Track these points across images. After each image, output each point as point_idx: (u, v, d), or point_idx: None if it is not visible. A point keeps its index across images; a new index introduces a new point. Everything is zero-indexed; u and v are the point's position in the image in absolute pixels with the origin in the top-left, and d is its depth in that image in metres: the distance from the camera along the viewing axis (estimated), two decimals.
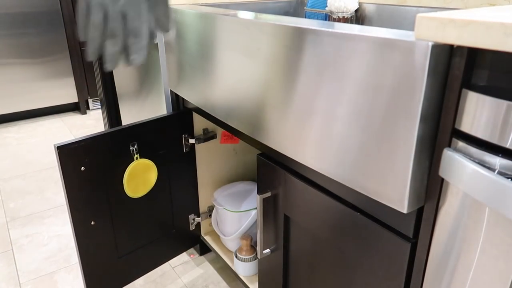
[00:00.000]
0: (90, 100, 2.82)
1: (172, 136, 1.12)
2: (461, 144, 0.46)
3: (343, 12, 1.09)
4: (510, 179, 0.40)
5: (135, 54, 0.60)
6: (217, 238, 1.31)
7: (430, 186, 0.53)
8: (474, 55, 0.44)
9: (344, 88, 0.56)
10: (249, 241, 1.15)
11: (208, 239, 1.31)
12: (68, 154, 0.91)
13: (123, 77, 1.50)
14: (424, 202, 0.54)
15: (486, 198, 0.42)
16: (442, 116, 0.49)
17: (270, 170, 0.83)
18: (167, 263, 1.36)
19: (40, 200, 1.76)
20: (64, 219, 1.63)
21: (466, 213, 0.47)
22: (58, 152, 0.89)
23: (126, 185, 1.02)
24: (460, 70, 0.45)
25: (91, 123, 2.61)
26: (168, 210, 1.18)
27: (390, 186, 0.53)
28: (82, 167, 0.94)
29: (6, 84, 2.49)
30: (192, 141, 1.16)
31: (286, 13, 1.30)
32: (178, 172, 1.17)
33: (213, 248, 1.28)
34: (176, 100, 1.15)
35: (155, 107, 1.30)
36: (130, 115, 1.56)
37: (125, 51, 0.60)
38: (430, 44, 0.44)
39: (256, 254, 1.14)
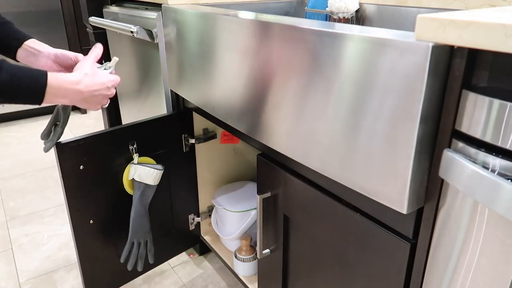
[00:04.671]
0: None
1: (172, 136, 1.12)
2: (461, 145, 0.46)
3: (344, 13, 1.09)
4: (510, 180, 0.40)
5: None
6: (216, 238, 1.31)
7: (430, 187, 0.52)
8: (474, 56, 0.44)
9: (344, 89, 0.56)
10: (249, 241, 1.15)
11: (207, 239, 1.31)
12: (67, 152, 0.91)
13: (124, 76, 1.50)
14: (424, 202, 0.54)
15: (486, 199, 0.42)
16: (442, 117, 0.49)
17: (270, 170, 0.83)
18: (166, 262, 1.36)
19: (40, 199, 1.76)
20: (64, 218, 1.63)
21: (466, 214, 0.47)
22: (57, 151, 0.89)
23: (126, 182, 1.02)
24: (461, 71, 0.45)
25: (91, 122, 2.61)
26: (167, 210, 1.18)
27: (390, 186, 0.53)
28: (81, 166, 0.94)
29: None
30: (192, 141, 1.16)
31: (287, 14, 1.30)
32: (178, 172, 1.17)
33: (212, 248, 1.28)
34: (176, 100, 1.15)
35: (155, 107, 1.30)
36: (130, 115, 1.56)
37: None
38: (431, 45, 0.44)
39: (256, 254, 1.14)
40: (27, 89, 0.67)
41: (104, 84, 0.80)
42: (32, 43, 0.85)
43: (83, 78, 0.76)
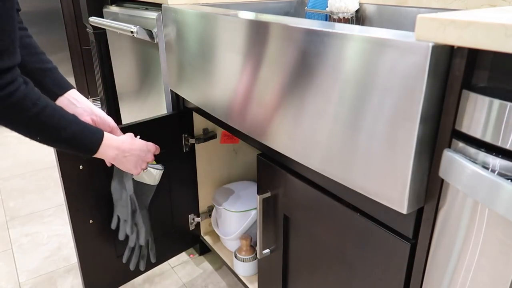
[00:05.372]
0: (90, 100, 2.83)
1: (172, 136, 1.12)
2: (461, 145, 0.46)
3: (344, 13, 1.09)
4: (510, 180, 0.40)
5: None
6: (216, 238, 1.31)
7: (430, 187, 0.52)
8: (474, 56, 0.44)
9: (344, 89, 0.56)
10: (249, 241, 1.15)
11: (207, 239, 1.31)
12: (67, 152, 0.91)
13: (124, 76, 1.50)
14: (424, 202, 0.54)
15: (486, 199, 0.42)
16: (442, 117, 0.49)
17: (270, 170, 0.83)
18: (166, 262, 1.36)
19: (40, 200, 1.76)
20: (64, 218, 1.63)
21: (466, 214, 0.47)
22: (56, 151, 0.89)
23: None
24: (461, 71, 0.45)
25: None
26: (167, 210, 1.18)
27: (390, 186, 0.53)
28: (81, 166, 0.94)
29: None
30: (192, 141, 1.16)
31: (287, 14, 1.30)
32: (178, 172, 1.17)
33: (212, 248, 1.28)
34: (176, 100, 1.15)
35: (155, 107, 1.29)
36: (130, 115, 1.56)
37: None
38: (431, 45, 0.44)
39: (256, 254, 1.14)
40: (87, 143, 0.79)
41: (144, 146, 0.93)
42: (74, 95, 0.91)
43: (126, 139, 0.89)
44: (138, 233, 1.04)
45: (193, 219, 1.27)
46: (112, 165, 0.96)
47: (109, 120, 0.94)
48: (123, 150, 0.87)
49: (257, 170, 0.87)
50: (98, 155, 0.82)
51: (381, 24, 1.09)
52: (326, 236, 0.73)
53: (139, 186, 1.01)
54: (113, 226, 1.03)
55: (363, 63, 0.52)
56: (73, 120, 0.76)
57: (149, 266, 1.19)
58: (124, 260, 1.05)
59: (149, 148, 0.94)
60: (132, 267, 1.06)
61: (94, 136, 0.81)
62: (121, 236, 1.03)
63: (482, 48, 0.40)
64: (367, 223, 0.63)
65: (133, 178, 1.00)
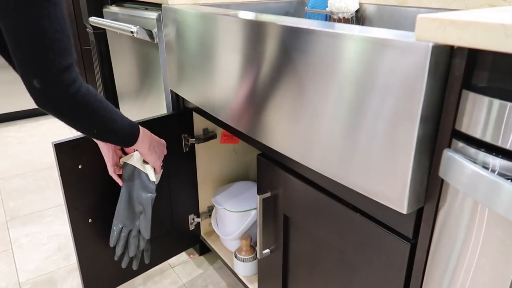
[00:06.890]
0: None
1: (172, 136, 1.12)
2: (461, 145, 0.46)
3: (344, 13, 1.09)
4: (510, 180, 0.40)
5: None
6: (216, 238, 1.31)
7: (430, 187, 0.52)
8: (474, 56, 0.44)
9: (344, 89, 0.56)
10: (249, 241, 1.15)
11: (207, 239, 1.31)
12: (66, 151, 0.91)
13: (124, 76, 1.50)
14: (424, 202, 0.54)
15: (486, 199, 0.42)
16: (442, 117, 0.49)
17: (270, 170, 0.83)
18: (166, 262, 1.36)
19: (40, 200, 1.76)
20: (63, 218, 1.63)
21: (466, 214, 0.47)
22: (55, 150, 0.89)
23: None
24: (461, 71, 0.45)
25: None
26: (167, 210, 1.18)
27: (390, 186, 0.53)
28: (80, 165, 0.94)
29: (6, 83, 2.49)
30: (192, 141, 1.16)
31: (287, 14, 1.30)
32: (177, 172, 1.17)
33: (212, 248, 1.28)
34: (176, 100, 1.15)
35: (155, 107, 1.30)
36: (130, 115, 1.56)
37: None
38: (431, 45, 0.44)
39: (256, 254, 1.14)
40: (132, 131, 0.86)
41: (162, 140, 1.00)
42: None
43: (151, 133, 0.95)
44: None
45: (193, 219, 1.27)
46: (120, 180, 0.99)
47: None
48: (152, 140, 0.93)
49: (257, 170, 0.87)
50: (137, 144, 0.87)
51: (381, 24, 1.09)
52: (326, 236, 0.73)
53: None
54: (113, 242, 1.01)
55: (363, 63, 0.52)
56: (119, 111, 0.81)
57: (149, 265, 1.19)
58: (116, 257, 1.04)
59: (164, 143, 1.00)
60: (124, 265, 1.05)
61: (134, 124, 0.86)
62: (118, 252, 1.02)
63: (482, 48, 0.40)
64: (367, 223, 0.63)
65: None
